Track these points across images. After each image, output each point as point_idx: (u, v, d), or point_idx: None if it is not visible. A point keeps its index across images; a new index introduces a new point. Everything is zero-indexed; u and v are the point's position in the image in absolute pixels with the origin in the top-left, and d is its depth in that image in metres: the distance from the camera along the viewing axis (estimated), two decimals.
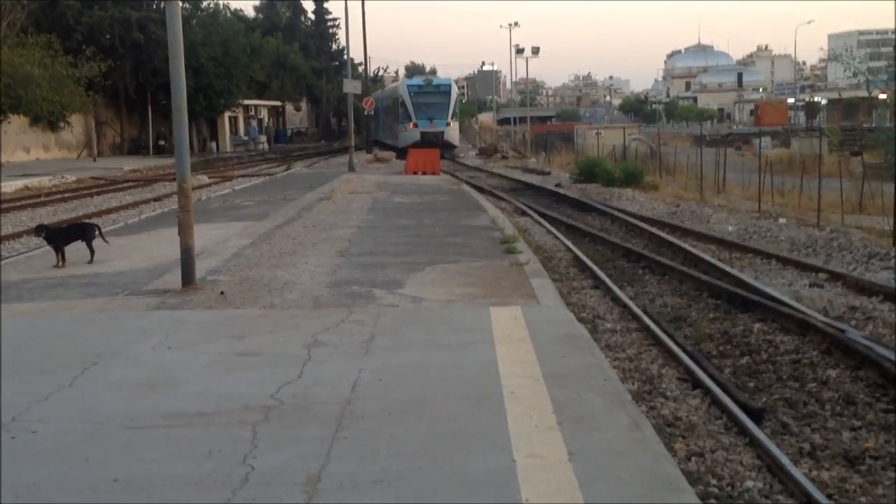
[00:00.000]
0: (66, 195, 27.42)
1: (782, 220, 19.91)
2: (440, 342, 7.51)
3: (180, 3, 10.53)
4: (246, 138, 67.53)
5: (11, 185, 29.68)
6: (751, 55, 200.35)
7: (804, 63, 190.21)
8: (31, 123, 45.68)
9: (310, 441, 5.16)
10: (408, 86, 50.38)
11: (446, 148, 46.92)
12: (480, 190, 28.27)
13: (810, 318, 9.86)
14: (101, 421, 5.60)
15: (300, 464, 4.82)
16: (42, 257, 12.91)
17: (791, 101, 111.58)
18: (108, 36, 48.74)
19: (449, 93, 49.54)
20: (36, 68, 36.79)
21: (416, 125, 47.82)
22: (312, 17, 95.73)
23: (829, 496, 5.68)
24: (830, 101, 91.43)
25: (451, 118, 49.24)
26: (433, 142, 45.27)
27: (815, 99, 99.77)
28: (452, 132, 49.74)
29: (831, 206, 21.68)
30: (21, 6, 41.66)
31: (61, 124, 47.11)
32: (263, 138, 67.75)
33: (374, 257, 12.56)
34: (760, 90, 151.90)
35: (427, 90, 49.27)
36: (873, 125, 51.14)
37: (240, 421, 5.54)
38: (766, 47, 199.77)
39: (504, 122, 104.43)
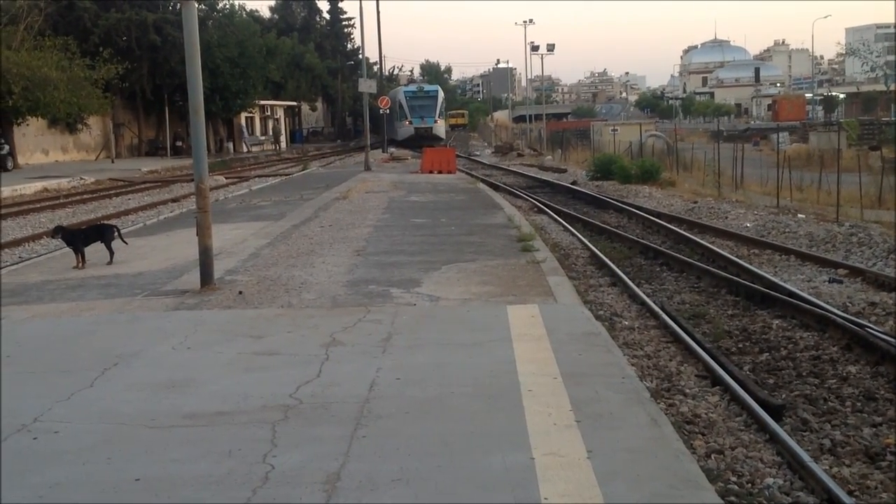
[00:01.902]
0: (85, 197, 27.58)
1: (801, 216, 19.81)
2: (457, 341, 7.52)
3: (196, 5, 10.55)
4: (263, 138, 67.55)
5: (31, 187, 29.91)
6: (768, 50, 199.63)
7: (822, 57, 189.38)
8: (50, 126, 45.97)
9: (329, 440, 5.18)
10: (404, 92, 63.28)
11: (435, 140, 59.10)
12: (496, 188, 28.26)
13: (830, 314, 9.80)
14: (121, 421, 5.64)
15: (319, 463, 4.84)
16: (62, 258, 13.00)
17: (809, 95, 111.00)
18: (124, 38, 48.96)
19: (436, 97, 62.97)
20: (54, 71, 37.02)
21: (410, 122, 60.80)
22: (327, 16, 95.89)
23: (850, 493, 5.64)
24: (848, 96, 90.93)
25: (438, 117, 62.47)
26: (424, 135, 59.21)
27: (833, 93, 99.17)
28: (439, 127, 62.85)
29: (850, 200, 21.54)
30: (38, 9, 41.92)
31: (79, 126, 47.38)
32: (259, 137, 66.54)
33: (391, 256, 12.57)
34: (778, 85, 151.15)
35: (419, 95, 62.66)
36: (892, 119, 50.80)
37: (259, 420, 5.56)
38: (784, 42, 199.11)
39: (519, 119, 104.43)
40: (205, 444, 5.20)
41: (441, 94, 64.77)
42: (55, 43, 38.42)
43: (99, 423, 5.61)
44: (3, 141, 38.62)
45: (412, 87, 66.50)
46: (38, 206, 24.64)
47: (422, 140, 57.29)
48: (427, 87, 66.76)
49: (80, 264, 12.20)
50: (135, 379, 6.60)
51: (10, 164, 38.31)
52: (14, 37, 38.08)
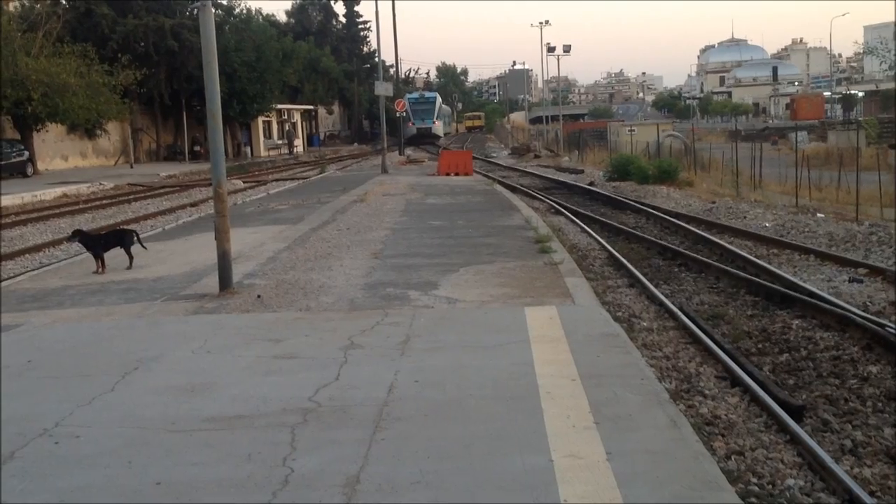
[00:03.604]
0: (105, 202, 27.77)
1: (820, 215, 19.70)
2: (476, 343, 7.52)
3: (213, 10, 10.61)
4: (280, 142, 67.59)
5: (51, 193, 30.14)
6: (785, 48, 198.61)
7: (840, 56, 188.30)
8: (69, 132, 46.29)
9: (348, 443, 5.19)
10: (408, 98, 71.41)
11: (433, 137, 75.26)
12: (513, 190, 28.23)
13: (850, 314, 9.74)
14: (142, 425, 5.67)
15: (339, 466, 4.85)
16: (82, 264, 13.08)
17: (827, 94, 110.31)
18: (142, 44, 49.29)
19: (434, 102, 77.27)
20: (72, 77, 37.33)
21: (413, 123, 72.14)
22: (343, 20, 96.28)
23: (872, 494, 5.61)
24: (867, 94, 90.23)
25: (436, 118, 77.08)
26: (424, 133, 73.81)
27: (852, 92, 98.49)
28: (437, 127, 77.60)
29: (870, 199, 21.41)
30: (57, 16, 42.25)
31: (98, 132, 47.69)
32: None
33: (409, 259, 12.58)
34: (796, 84, 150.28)
35: (420, 101, 76.26)
36: None
37: (278, 423, 5.58)
38: (801, 40, 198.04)
39: (536, 121, 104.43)
40: (225, 447, 5.23)
41: (438, 100, 79.70)
42: (74, 49, 38.72)
43: (120, 428, 5.65)
44: (23, 147, 38.97)
45: (415, 95, 79.24)
46: (58, 211, 24.82)
47: (423, 137, 72.59)
48: (427, 94, 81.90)
49: (101, 269, 12.28)
50: (155, 383, 6.64)
51: (29, 170, 38.62)
52: (33, 43, 38.41)
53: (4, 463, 5.07)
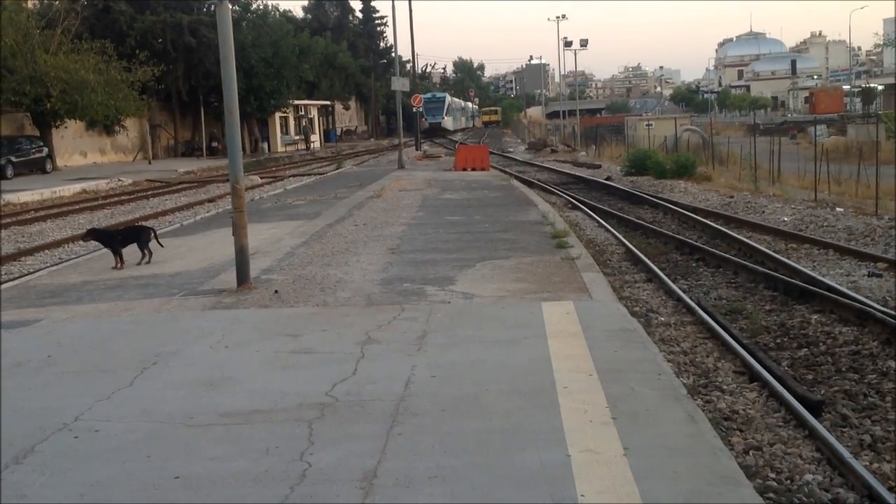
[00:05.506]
0: (123, 198, 27.93)
1: (839, 210, 19.57)
2: (493, 338, 7.51)
3: (230, 6, 10.63)
4: (297, 138, 67.60)
5: (70, 189, 30.34)
6: (804, 42, 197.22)
7: (859, 48, 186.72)
8: (88, 128, 46.56)
9: (365, 438, 5.20)
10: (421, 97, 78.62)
11: (444, 131, 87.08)
12: (530, 184, 28.18)
13: (869, 309, 9.67)
14: (161, 419, 5.70)
15: (356, 460, 4.86)
16: (101, 259, 13.16)
17: (846, 87, 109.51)
18: (160, 40, 49.50)
19: (444, 101, 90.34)
20: (91, 74, 37.56)
21: (426, 119, 79.90)
22: (360, 15, 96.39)
23: (891, 489, 5.57)
24: (887, 87, 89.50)
25: (445, 115, 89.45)
26: (435, 128, 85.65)
27: (871, 85, 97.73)
28: (447, 122, 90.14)
29: (889, 193, 21.24)
30: (75, 13, 42.47)
31: (116, 128, 47.94)
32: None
33: (425, 254, 12.59)
34: (815, 77, 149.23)
35: (432, 100, 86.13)
36: None
37: (296, 418, 5.60)
38: (820, 33, 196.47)
39: (553, 115, 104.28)
40: (243, 441, 5.25)
41: (448, 99, 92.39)
42: (92, 46, 38.94)
43: (139, 422, 5.68)
44: (42, 143, 39.24)
45: (428, 95, 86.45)
46: (78, 207, 24.99)
47: (434, 132, 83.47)
48: (437, 94, 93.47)
49: (119, 265, 12.35)
50: (173, 378, 6.68)
51: (49, 166, 38.89)
52: (52, 40, 38.63)
53: (24, 457, 5.11)
